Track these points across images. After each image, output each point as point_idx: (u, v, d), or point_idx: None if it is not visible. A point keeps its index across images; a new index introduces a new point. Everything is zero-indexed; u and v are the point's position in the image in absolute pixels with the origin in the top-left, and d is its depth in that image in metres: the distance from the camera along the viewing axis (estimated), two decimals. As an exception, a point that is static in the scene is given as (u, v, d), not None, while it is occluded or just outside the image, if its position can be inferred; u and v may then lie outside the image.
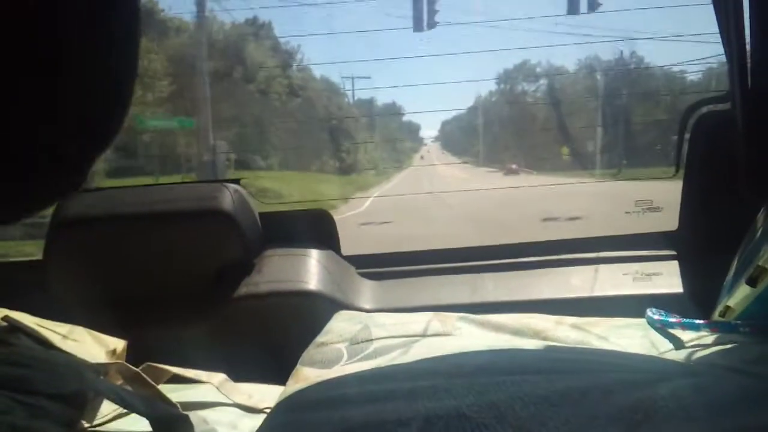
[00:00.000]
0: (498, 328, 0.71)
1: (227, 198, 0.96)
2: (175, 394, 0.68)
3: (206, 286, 0.97)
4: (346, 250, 1.10)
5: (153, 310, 0.94)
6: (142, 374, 0.59)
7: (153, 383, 0.59)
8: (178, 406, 0.58)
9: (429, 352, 0.62)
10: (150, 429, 0.53)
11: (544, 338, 0.67)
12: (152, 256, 0.97)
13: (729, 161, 0.92)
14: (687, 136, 0.97)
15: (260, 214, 1.06)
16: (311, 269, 1.00)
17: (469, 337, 0.69)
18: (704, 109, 0.96)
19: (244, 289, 0.97)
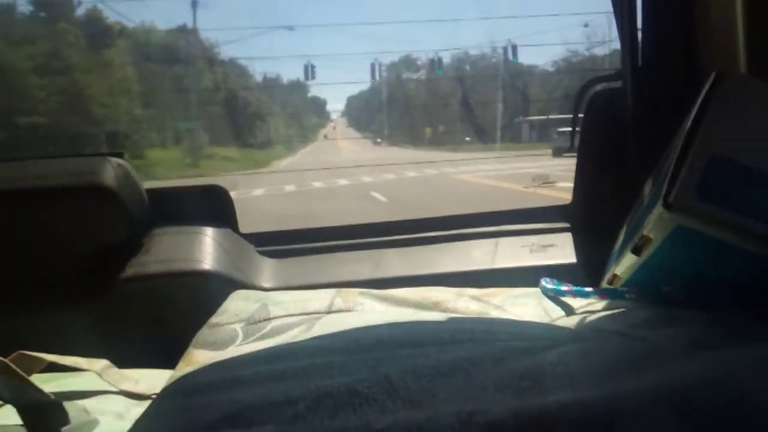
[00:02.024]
0: (400, 302, 0.71)
1: (109, 172, 0.90)
2: (53, 383, 0.64)
3: (89, 268, 0.91)
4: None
5: (30, 295, 0.88)
6: (8, 363, 0.55)
7: (21, 372, 0.54)
8: (51, 395, 0.54)
9: (329, 329, 0.61)
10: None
11: (445, 310, 0.67)
12: (28, 235, 0.90)
13: (620, 137, 0.95)
14: (582, 112, 1.00)
15: (147, 190, 1.00)
16: (205, 247, 0.96)
17: (371, 312, 0.69)
18: (598, 87, 0.99)
19: (131, 270, 0.92)
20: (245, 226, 1.07)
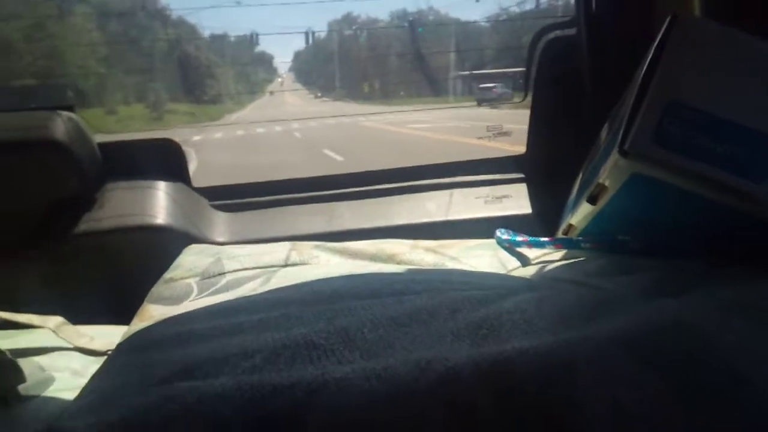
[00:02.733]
0: (355, 254, 0.70)
1: (60, 126, 0.88)
2: (7, 341, 0.63)
3: (41, 224, 0.89)
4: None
5: None
6: None
7: None
8: (5, 352, 0.53)
9: (285, 282, 0.60)
10: None
11: (400, 262, 0.67)
12: None
13: (574, 86, 0.95)
14: (535, 61, 0.99)
15: (99, 144, 0.97)
16: (159, 202, 0.94)
17: (326, 265, 0.68)
18: (551, 35, 0.99)
19: (83, 226, 0.90)
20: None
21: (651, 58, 0.45)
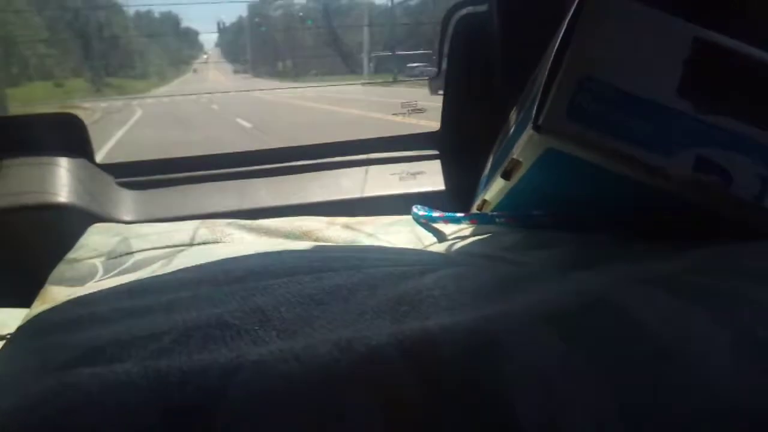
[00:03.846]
0: (269, 232, 0.69)
1: None
2: None
3: None
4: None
5: None
6: None
7: None
8: None
9: (196, 260, 0.58)
10: None
11: (316, 239, 0.66)
12: None
13: (487, 62, 0.96)
14: (448, 38, 1.00)
15: None
16: (60, 179, 0.89)
17: (240, 242, 0.66)
18: (463, 11, 0.99)
19: None
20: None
21: (563, 34, 0.45)
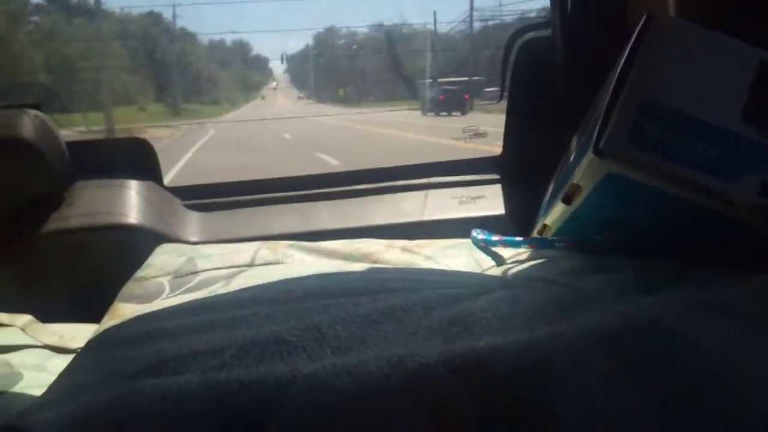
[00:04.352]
0: (329, 253, 0.70)
1: (27, 125, 0.86)
2: (-26, 340, 0.61)
3: (9, 223, 0.88)
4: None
5: None
6: None
7: None
8: None
9: (256, 281, 0.59)
10: None
11: (375, 261, 0.67)
12: None
13: (549, 86, 0.96)
14: (511, 63, 0.99)
15: (68, 143, 0.96)
16: (129, 201, 0.93)
17: (300, 264, 0.68)
18: (527, 36, 0.99)
19: (52, 225, 0.88)
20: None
21: (626, 59, 0.45)
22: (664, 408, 0.25)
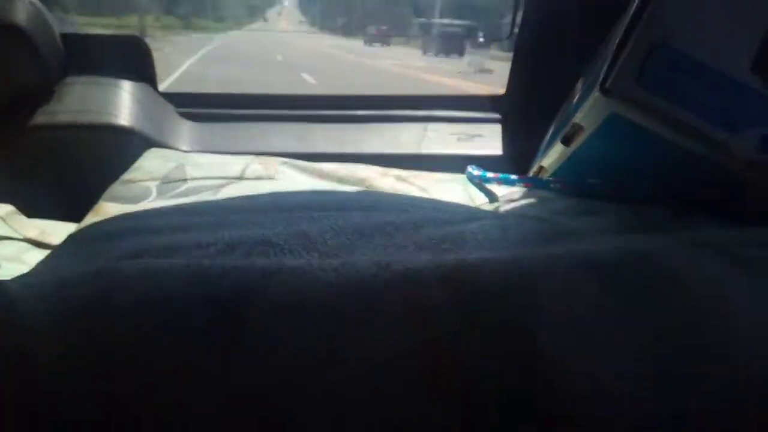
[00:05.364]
0: (322, 175, 0.69)
1: (20, 11, 0.83)
2: (-47, 226, 0.61)
3: None
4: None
5: None
6: None
7: None
8: None
9: (247, 192, 0.59)
10: None
11: (369, 187, 0.66)
12: None
13: (560, 29, 0.93)
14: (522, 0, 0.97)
15: (62, 35, 0.93)
16: (121, 101, 0.90)
17: (291, 181, 0.67)
18: None
19: (40, 119, 0.86)
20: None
21: (640, 0, 0.44)
22: (644, 336, 0.25)
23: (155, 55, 1.00)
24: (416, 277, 0.25)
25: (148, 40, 1.03)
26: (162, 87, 1.00)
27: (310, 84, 7.39)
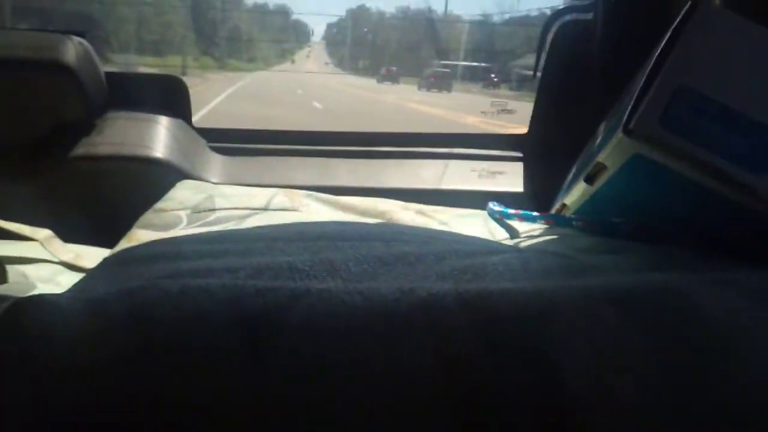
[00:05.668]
0: (345, 207, 0.70)
1: (69, 50, 0.89)
2: (-4, 249, 0.63)
3: (41, 143, 0.90)
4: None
5: None
6: None
7: None
8: None
9: (272, 223, 0.60)
10: None
11: (389, 219, 0.67)
12: None
13: (584, 71, 0.95)
14: (548, 43, 0.99)
15: (106, 73, 0.98)
16: (157, 135, 0.95)
17: (314, 213, 0.68)
18: (566, 18, 0.98)
19: (82, 149, 0.91)
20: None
21: (666, 41, 0.45)
22: (667, 364, 0.25)
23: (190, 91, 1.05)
24: (438, 302, 0.26)
25: (187, 78, 1.10)
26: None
27: (317, 108, 9.40)
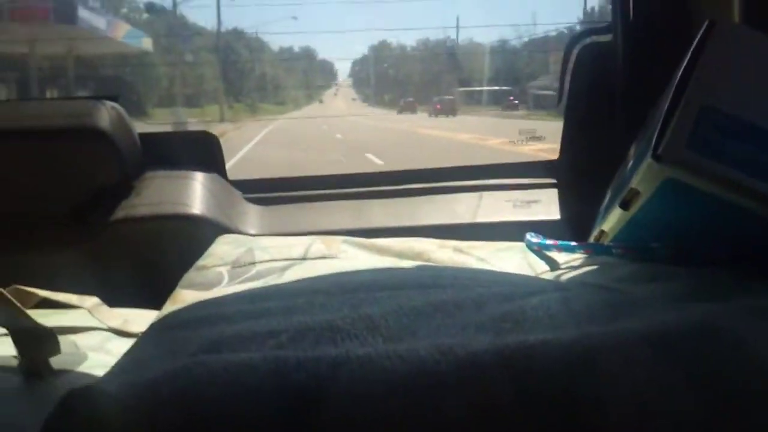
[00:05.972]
0: (382, 250, 0.71)
1: (104, 115, 0.91)
2: (45, 318, 0.64)
3: (81, 209, 0.92)
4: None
5: (22, 233, 0.89)
6: (4, 292, 0.55)
7: (17, 303, 0.55)
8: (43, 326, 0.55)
9: (312, 273, 0.61)
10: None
11: (427, 260, 0.67)
12: (22, 175, 0.91)
13: (608, 93, 0.95)
14: (570, 67, 0.99)
15: (140, 134, 1.00)
16: (194, 192, 0.96)
17: (353, 259, 0.69)
18: (587, 41, 0.98)
19: (121, 213, 0.92)
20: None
21: (687, 63, 0.45)
22: (715, 408, 0.25)
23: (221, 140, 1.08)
24: (478, 362, 0.26)
25: (226, 124, 1.12)
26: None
27: (338, 138, 10.19)
